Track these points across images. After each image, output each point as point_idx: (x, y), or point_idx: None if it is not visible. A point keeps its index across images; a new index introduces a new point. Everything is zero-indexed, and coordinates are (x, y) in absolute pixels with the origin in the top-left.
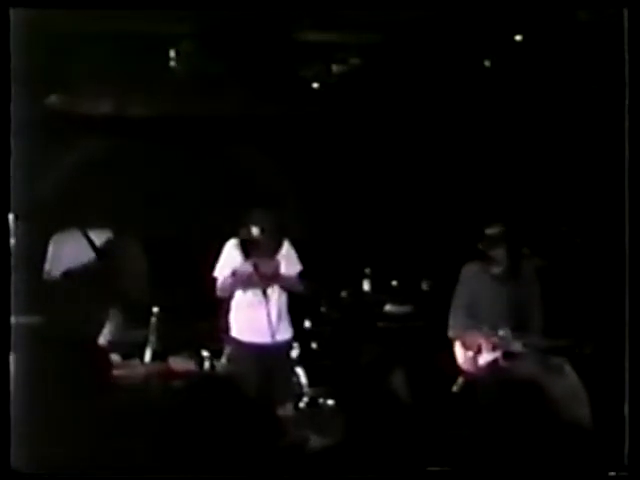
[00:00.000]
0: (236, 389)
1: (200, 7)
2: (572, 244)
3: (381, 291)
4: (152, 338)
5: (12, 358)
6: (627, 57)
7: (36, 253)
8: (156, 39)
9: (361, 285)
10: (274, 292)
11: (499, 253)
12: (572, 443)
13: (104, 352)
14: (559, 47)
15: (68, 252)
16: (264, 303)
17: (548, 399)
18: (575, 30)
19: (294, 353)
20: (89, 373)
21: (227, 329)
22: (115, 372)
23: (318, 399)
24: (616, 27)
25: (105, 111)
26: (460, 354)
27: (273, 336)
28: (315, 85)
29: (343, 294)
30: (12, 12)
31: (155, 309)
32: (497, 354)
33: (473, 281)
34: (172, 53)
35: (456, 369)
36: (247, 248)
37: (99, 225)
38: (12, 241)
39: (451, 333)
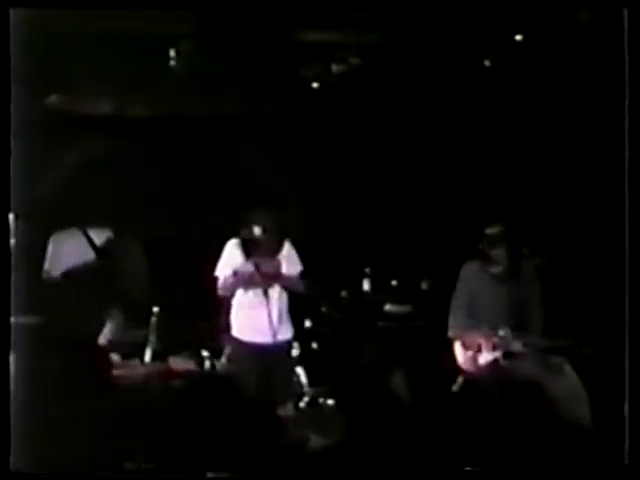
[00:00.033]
0: (236, 389)
1: (200, 7)
2: (572, 244)
3: (381, 291)
4: (152, 338)
5: (12, 358)
6: (627, 57)
7: (36, 253)
8: (156, 39)
9: (361, 285)
10: (275, 292)
11: (499, 253)
12: (572, 443)
13: (104, 352)
14: (559, 47)
15: (68, 251)
16: (265, 303)
17: (548, 399)
18: (575, 30)
19: (294, 353)
20: (89, 373)
21: (228, 329)
22: (115, 372)
23: (318, 399)
24: (616, 27)
25: (105, 111)
26: (460, 354)
27: (274, 336)
28: (315, 85)
29: (343, 294)
30: (12, 12)
31: (155, 309)
32: (497, 354)
33: (473, 280)
34: (172, 53)
35: (456, 369)
36: (248, 248)
37: (99, 225)
38: (12, 241)
39: (451, 333)
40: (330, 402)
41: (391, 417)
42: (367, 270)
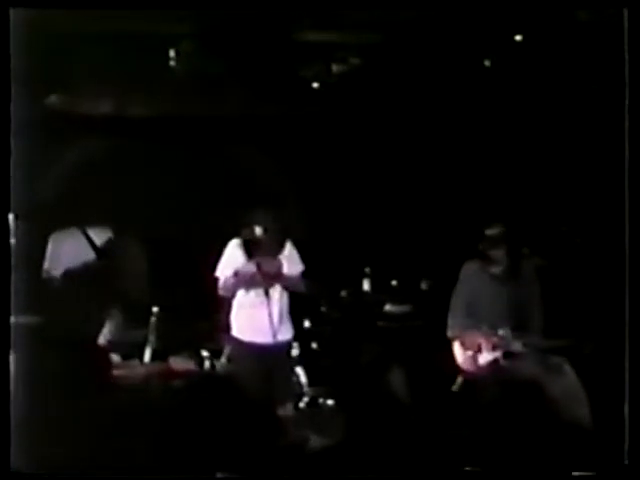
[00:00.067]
0: (236, 389)
1: (200, 7)
2: (572, 244)
3: (381, 291)
4: (152, 338)
5: (12, 358)
6: (627, 57)
7: (36, 253)
8: (156, 39)
9: (361, 285)
10: (276, 292)
11: (499, 253)
12: (572, 443)
13: (104, 352)
14: (559, 47)
15: (67, 251)
16: (266, 303)
17: (547, 398)
18: (575, 30)
19: (294, 353)
20: (89, 373)
21: (228, 329)
22: (115, 372)
23: (318, 399)
24: (616, 27)
25: (105, 111)
26: (459, 354)
27: (275, 336)
28: (315, 85)
29: (343, 294)
30: (12, 12)
31: (155, 309)
32: (497, 354)
33: (473, 280)
34: (172, 53)
35: (456, 369)
36: (250, 248)
37: (99, 225)
38: (12, 241)
39: (450, 333)
40: (330, 402)
41: (391, 417)
42: (367, 270)
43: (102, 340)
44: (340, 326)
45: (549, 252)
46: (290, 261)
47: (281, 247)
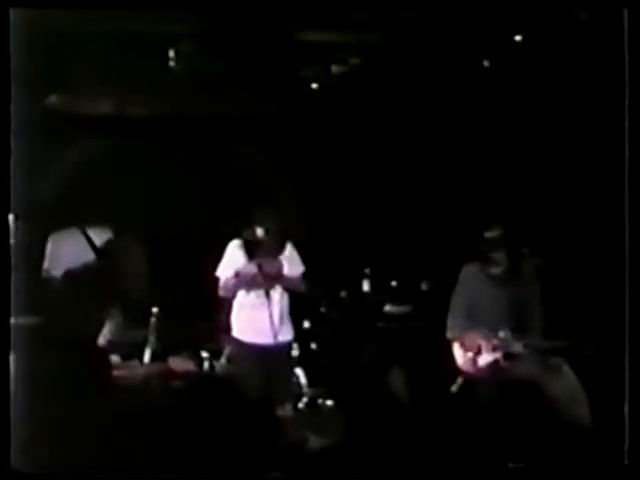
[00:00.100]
0: (236, 389)
1: (200, 7)
2: (572, 244)
3: (381, 291)
4: (151, 338)
5: (12, 358)
6: (627, 57)
7: (36, 253)
8: (156, 39)
9: (361, 285)
10: (276, 293)
11: (499, 255)
12: (572, 443)
13: (104, 353)
14: (559, 47)
15: (67, 251)
16: (266, 304)
17: (547, 399)
18: (575, 30)
19: (294, 353)
20: (89, 373)
21: (228, 329)
22: (115, 373)
23: (317, 399)
24: (616, 27)
25: (105, 111)
26: (459, 355)
27: (275, 337)
28: (315, 85)
29: (343, 294)
30: (12, 12)
31: (154, 309)
32: (497, 355)
33: (472, 282)
34: (172, 53)
35: (455, 369)
36: (251, 249)
37: (99, 225)
38: (12, 241)
39: (449, 334)
40: (329, 403)
41: (390, 418)
42: (367, 271)
43: (102, 340)
44: (340, 327)
45: (549, 252)
46: (291, 262)
47: (282, 248)
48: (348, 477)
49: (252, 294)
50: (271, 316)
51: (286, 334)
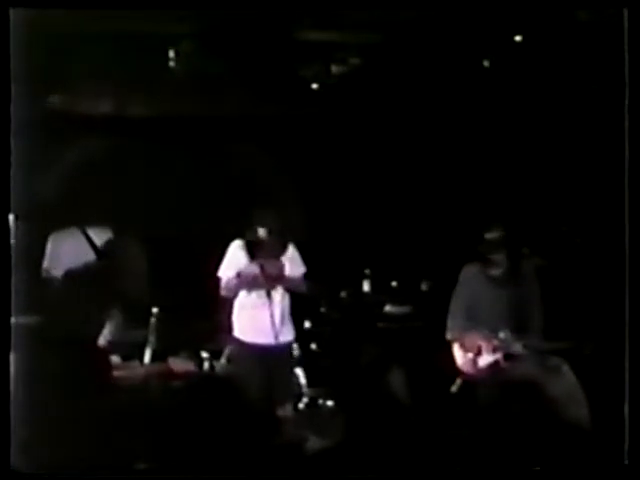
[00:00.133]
0: (235, 390)
1: (200, 7)
2: (572, 244)
3: (381, 292)
4: (152, 338)
5: (12, 358)
6: (627, 57)
7: (36, 253)
8: (156, 39)
9: (361, 286)
10: (278, 294)
11: (499, 256)
12: (572, 443)
13: (104, 353)
14: (559, 47)
15: (67, 251)
16: (268, 304)
17: (546, 399)
18: (575, 30)
19: (294, 354)
20: (89, 374)
21: (229, 330)
22: (115, 373)
23: (317, 400)
24: (616, 27)
25: (105, 111)
26: (459, 356)
27: (276, 337)
28: (315, 85)
29: (343, 295)
30: (12, 12)
31: (154, 309)
32: (498, 356)
33: (472, 283)
34: (172, 53)
35: (455, 370)
36: (253, 249)
37: (99, 225)
38: (12, 241)
39: (449, 335)
40: (329, 403)
41: (390, 418)
42: (367, 271)
43: (102, 341)
44: (340, 327)
45: (549, 252)
46: (292, 263)
47: (284, 248)
48: (348, 477)
49: (253, 294)
50: (272, 316)
51: (287, 334)
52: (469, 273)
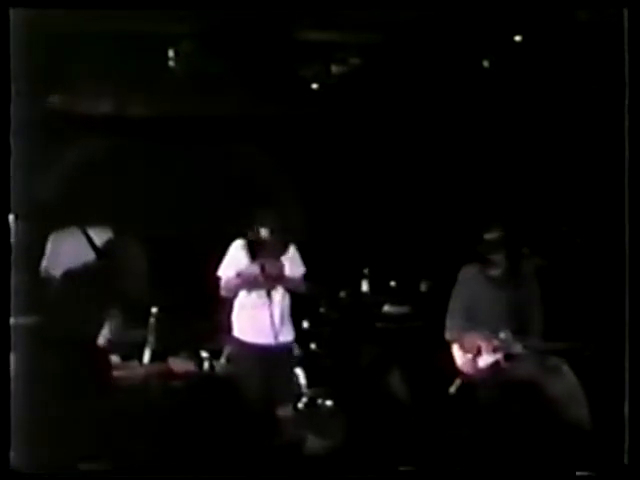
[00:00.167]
0: (235, 390)
1: (200, 7)
2: (572, 244)
3: (380, 292)
4: (151, 339)
5: (12, 358)
6: (627, 57)
7: (36, 253)
8: (156, 39)
9: (360, 286)
10: (278, 294)
11: (498, 256)
12: (572, 443)
13: (103, 353)
14: (559, 47)
15: (67, 250)
16: (268, 304)
17: (547, 399)
18: (575, 30)
19: (294, 354)
20: (89, 373)
21: (229, 329)
22: (114, 373)
23: (317, 400)
24: (616, 27)
25: (105, 111)
26: (459, 356)
27: (276, 337)
28: (315, 85)
29: (342, 295)
30: (12, 12)
31: (154, 309)
32: (498, 356)
33: (472, 284)
34: (172, 53)
35: (454, 370)
36: (254, 249)
37: (99, 225)
38: (12, 241)
39: (448, 335)
40: (329, 403)
41: (389, 418)
42: (366, 271)
43: (102, 340)
44: (339, 327)
45: (549, 252)
46: (292, 263)
47: (285, 249)
48: (348, 477)
49: (253, 294)
50: (272, 316)
51: (287, 334)
52: (468, 273)
